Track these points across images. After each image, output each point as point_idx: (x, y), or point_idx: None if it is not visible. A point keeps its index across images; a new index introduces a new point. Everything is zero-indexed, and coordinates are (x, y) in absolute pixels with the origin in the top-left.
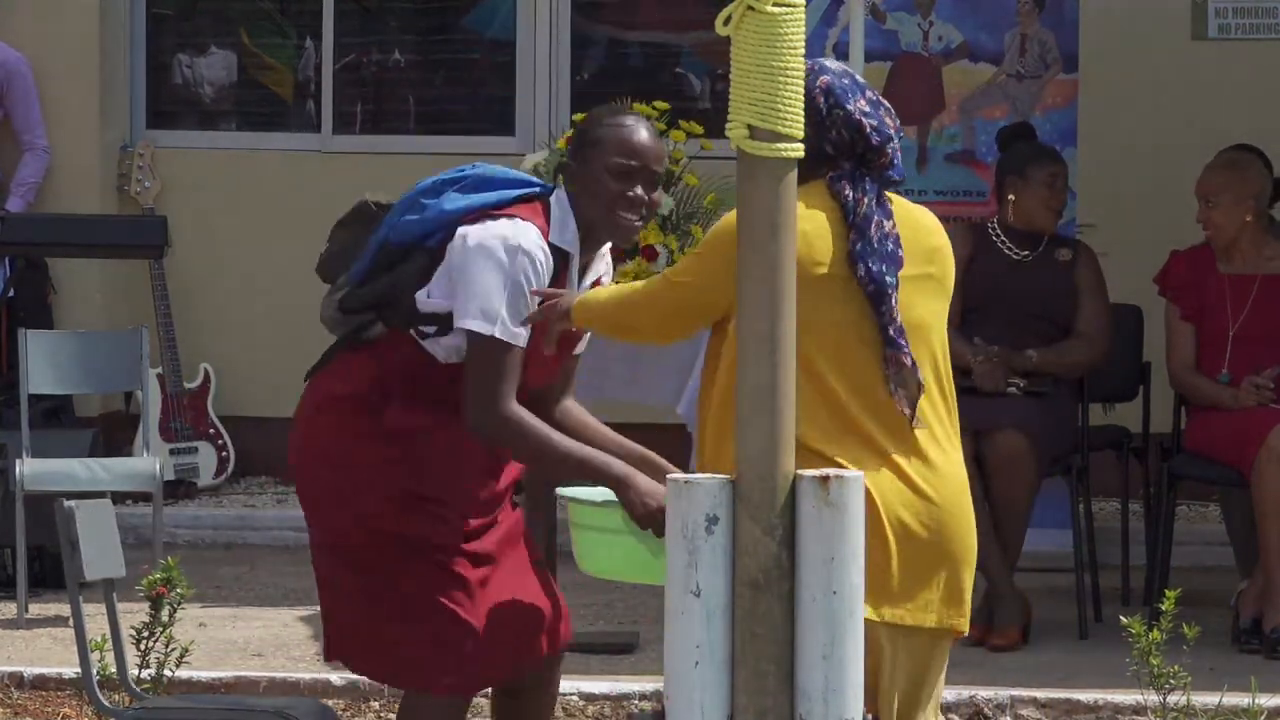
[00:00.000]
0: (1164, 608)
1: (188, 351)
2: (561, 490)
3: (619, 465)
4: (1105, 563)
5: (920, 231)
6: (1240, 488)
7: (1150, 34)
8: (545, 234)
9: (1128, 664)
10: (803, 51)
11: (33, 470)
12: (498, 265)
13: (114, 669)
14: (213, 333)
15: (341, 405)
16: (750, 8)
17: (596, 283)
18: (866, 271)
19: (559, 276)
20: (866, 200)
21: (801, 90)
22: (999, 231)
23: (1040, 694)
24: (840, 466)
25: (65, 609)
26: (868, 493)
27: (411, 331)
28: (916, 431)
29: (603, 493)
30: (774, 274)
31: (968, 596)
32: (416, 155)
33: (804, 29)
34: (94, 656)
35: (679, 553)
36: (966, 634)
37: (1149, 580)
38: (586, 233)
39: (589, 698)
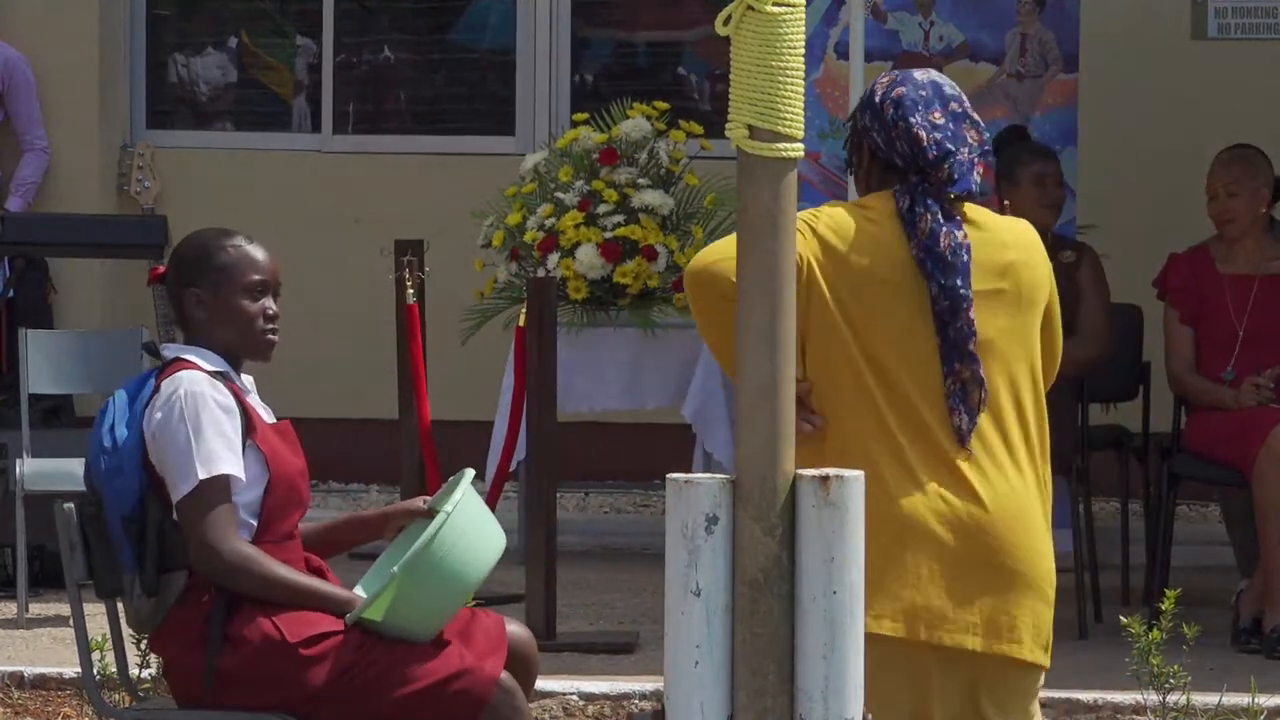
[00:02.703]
0: (1164, 608)
1: None
2: (351, 616)
3: (338, 591)
4: (1105, 563)
5: (994, 247)
6: (1240, 488)
7: (1150, 34)
8: (200, 369)
9: (1127, 664)
10: (803, 52)
11: (33, 470)
12: (178, 424)
13: (114, 669)
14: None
15: (195, 654)
16: (750, 8)
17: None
18: (940, 289)
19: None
20: (930, 216)
21: (802, 90)
22: None
23: (1040, 693)
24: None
25: (65, 609)
26: (898, 508)
27: None
28: (967, 451)
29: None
30: (774, 273)
31: (1028, 626)
32: (416, 155)
33: (804, 29)
34: (94, 656)
35: (679, 553)
36: (1046, 667)
37: (1149, 580)
38: (229, 355)
39: (589, 698)
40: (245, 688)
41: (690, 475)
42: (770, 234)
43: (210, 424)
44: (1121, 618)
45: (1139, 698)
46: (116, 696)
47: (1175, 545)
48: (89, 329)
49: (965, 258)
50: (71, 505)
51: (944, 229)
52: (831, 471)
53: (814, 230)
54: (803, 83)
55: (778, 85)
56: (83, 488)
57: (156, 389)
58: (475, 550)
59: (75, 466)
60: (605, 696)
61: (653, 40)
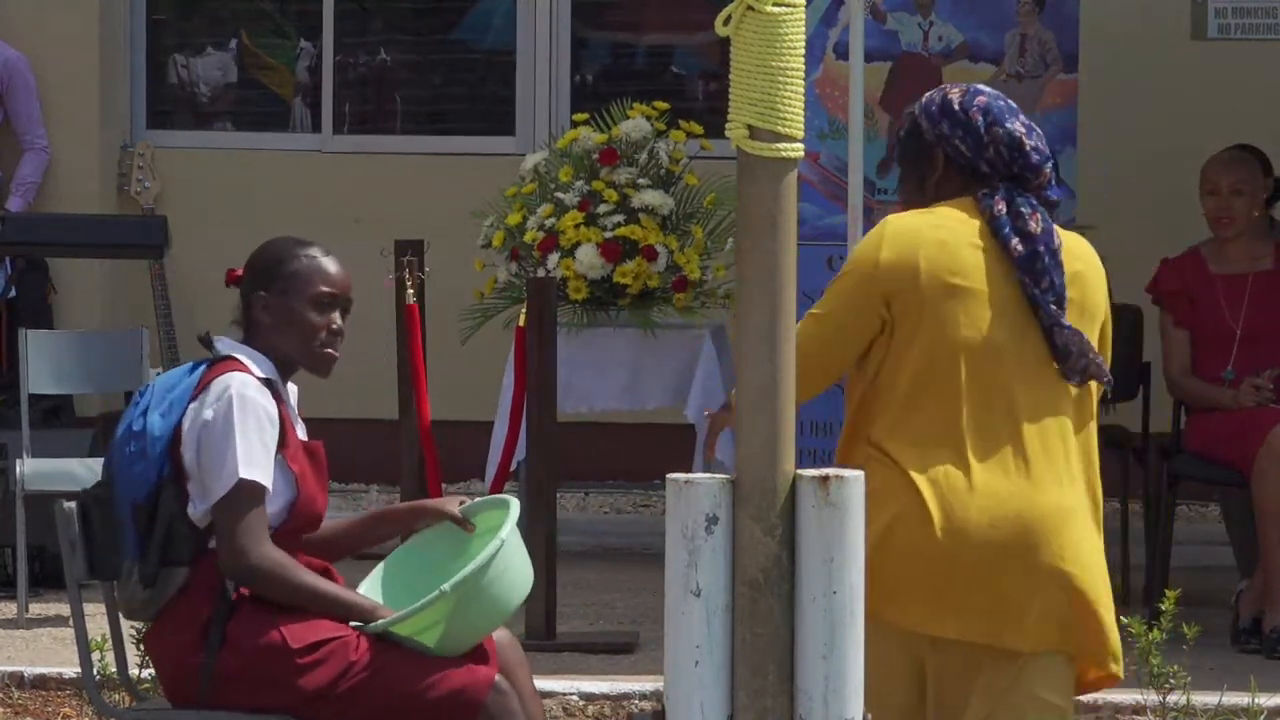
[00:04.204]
0: (1164, 608)
1: (188, 351)
2: (373, 626)
3: (363, 600)
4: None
5: (1065, 256)
6: (1240, 487)
7: (1150, 34)
8: (249, 372)
9: (1128, 664)
10: (803, 51)
11: (33, 470)
12: (225, 424)
13: (114, 669)
14: (212, 332)
15: (192, 653)
16: (750, 8)
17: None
18: (1051, 285)
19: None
20: (1040, 216)
21: (802, 90)
22: None
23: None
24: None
25: (65, 609)
26: (923, 503)
27: (211, 546)
28: (1022, 460)
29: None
30: (774, 273)
31: (1055, 622)
32: (416, 155)
33: (804, 29)
34: (94, 656)
35: (679, 553)
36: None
37: (1149, 580)
38: (281, 362)
39: (589, 698)
40: (242, 689)
41: (690, 475)
42: (770, 234)
43: (255, 429)
44: (1122, 618)
45: (1139, 698)
46: (116, 696)
47: (1175, 545)
48: (89, 329)
49: (1061, 259)
50: (72, 504)
51: (1053, 228)
52: (831, 471)
53: (878, 263)
54: (803, 83)
55: (778, 85)
56: (82, 488)
57: (204, 385)
58: (516, 584)
59: (75, 466)
60: (605, 696)
61: (653, 41)
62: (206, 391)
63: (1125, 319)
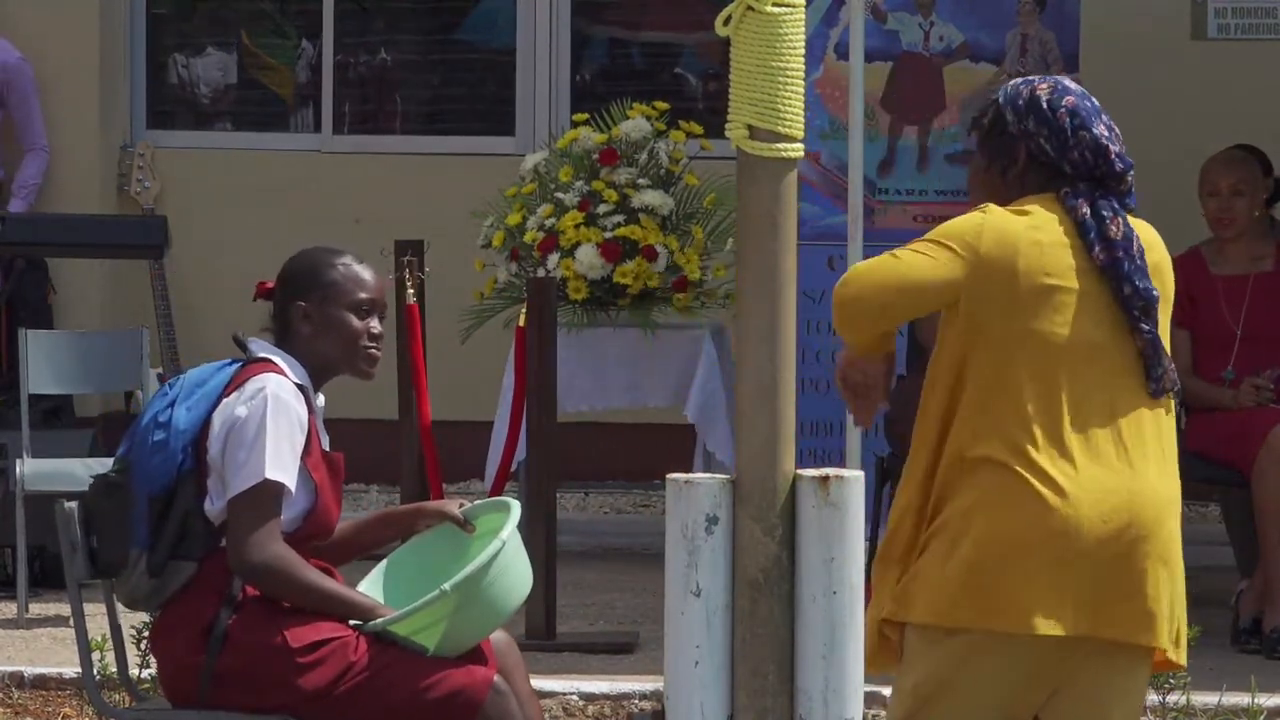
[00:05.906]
0: None
1: (188, 351)
2: (372, 624)
3: (366, 599)
4: None
5: (1145, 248)
6: (1240, 487)
7: (1150, 34)
8: (287, 377)
9: None
10: (803, 51)
11: (33, 470)
12: (257, 423)
13: (114, 669)
14: (213, 333)
15: (193, 651)
16: (750, 8)
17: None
18: (1134, 290)
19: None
20: (1121, 220)
21: (802, 90)
22: None
23: None
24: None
25: (65, 609)
26: (1059, 512)
27: (222, 546)
28: (1124, 449)
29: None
30: (774, 273)
31: (1172, 617)
32: (416, 155)
33: (804, 29)
34: (94, 656)
35: (679, 553)
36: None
37: None
38: (319, 370)
39: (589, 698)
40: (242, 689)
41: (690, 475)
42: (770, 234)
43: (287, 432)
44: None
45: None
46: (116, 696)
47: None
48: (89, 329)
49: (1145, 260)
50: (73, 504)
51: (1134, 233)
52: (831, 471)
53: (978, 251)
54: (803, 83)
55: (778, 85)
56: (82, 488)
57: (238, 383)
58: (515, 586)
59: (75, 466)
60: (605, 696)
61: (653, 40)
62: (241, 389)
63: None
